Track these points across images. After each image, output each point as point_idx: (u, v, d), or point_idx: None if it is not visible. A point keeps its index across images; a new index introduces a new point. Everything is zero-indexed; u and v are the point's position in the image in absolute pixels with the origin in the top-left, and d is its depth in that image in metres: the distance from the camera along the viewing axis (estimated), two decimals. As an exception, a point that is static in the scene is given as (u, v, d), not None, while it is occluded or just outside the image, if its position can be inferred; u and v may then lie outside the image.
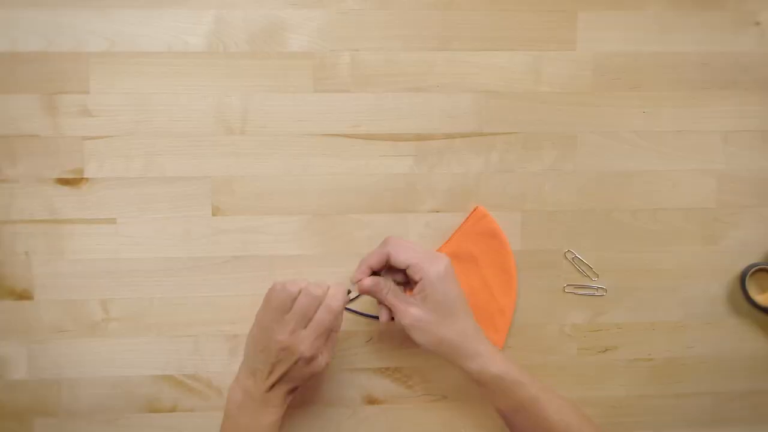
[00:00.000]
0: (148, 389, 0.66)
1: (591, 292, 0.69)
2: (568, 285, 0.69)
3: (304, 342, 0.57)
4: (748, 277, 0.69)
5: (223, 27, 0.65)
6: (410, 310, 0.59)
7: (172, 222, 0.66)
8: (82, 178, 0.65)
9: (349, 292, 0.60)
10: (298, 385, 0.60)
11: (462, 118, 0.67)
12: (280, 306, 0.57)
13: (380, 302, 0.61)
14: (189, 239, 0.66)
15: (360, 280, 0.60)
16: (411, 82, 0.66)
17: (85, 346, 0.66)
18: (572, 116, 0.68)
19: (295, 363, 0.57)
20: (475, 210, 0.67)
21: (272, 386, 0.58)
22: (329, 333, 0.59)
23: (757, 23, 0.68)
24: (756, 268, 0.69)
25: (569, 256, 0.69)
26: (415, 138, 0.67)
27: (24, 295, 0.65)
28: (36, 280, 0.65)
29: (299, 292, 0.57)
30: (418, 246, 0.61)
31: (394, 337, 0.68)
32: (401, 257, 0.59)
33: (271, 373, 0.58)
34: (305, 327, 0.57)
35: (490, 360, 0.59)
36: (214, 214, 0.66)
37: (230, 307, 0.66)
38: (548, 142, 0.68)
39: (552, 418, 0.58)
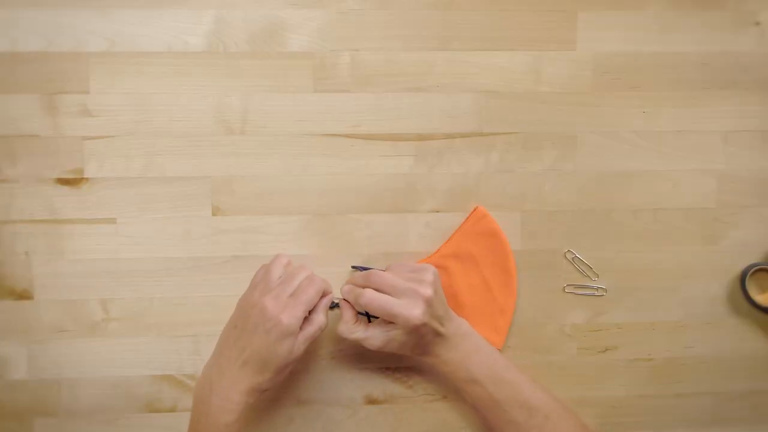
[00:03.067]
0: (148, 389, 0.66)
1: (591, 292, 0.69)
2: (568, 285, 0.69)
3: (286, 309, 0.56)
4: (748, 277, 0.69)
5: (223, 27, 0.65)
6: (372, 343, 0.60)
7: (172, 222, 0.66)
8: (82, 178, 0.65)
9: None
10: (265, 381, 0.57)
11: (462, 118, 0.67)
12: (267, 277, 0.59)
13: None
14: (189, 239, 0.66)
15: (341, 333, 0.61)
16: (411, 82, 0.66)
17: (85, 346, 0.66)
18: (572, 116, 0.68)
19: (269, 333, 0.55)
20: (475, 210, 0.67)
21: (240, 368, 0.56)
22: (307, 313, 0.57)
23: (757, 23, 0.68)
24: (756, 268, 0.69)
25: (569, 256, 0.69)
26: (415, 138, 0.67)
27: (24, 295, 0.65)
28: (36, 280, 0.65)
29: (288, 263, 0.61)
30: (396, 285, 0.58)
31: (394, 337, 0.68)
32: (377, 312, 0.58)
33: (242, 350, 0.56)
34: (290, 297, 0.57)
35: (447, 359, 0.61)
36: (214, 214, 0.66)
37: (230, 307, 0.66)
38: (548, 142, 0.68)
39: (510, 411, 0.59)
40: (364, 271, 0.62)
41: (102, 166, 0.65)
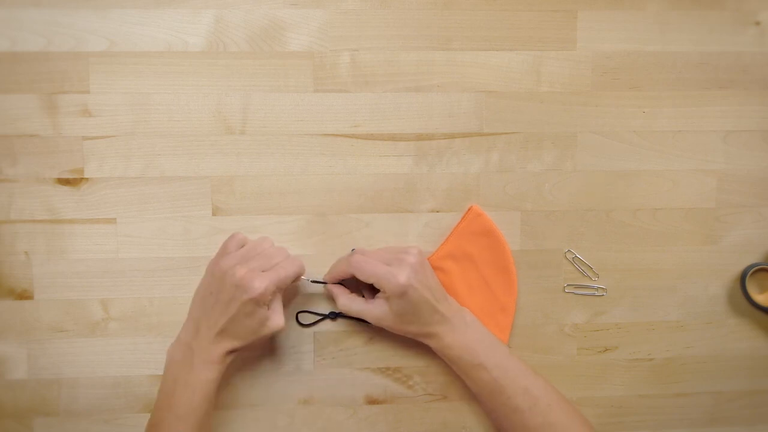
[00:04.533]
0: (148, 389, 0.66)
1: (591, 292, 0.69)
2: (568, 285, 0.69)
3: (260, 280, 0.56)
4: (748, 277, 0.69)
5: (223, 27, 0.65)
6: (373, 313, 0.62)
7: (172, 222, 0.66)
8: (82, 178, 0.65)
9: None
10: (242, 345, 0.58)
11: (462, 118, 0.67)
12: (240, 247, 0.61)
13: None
14: (189, 239, 0.66)
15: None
16: (411, 82, 0.66)
17: (84, 346, 0.66)
18: (572, 116, 0.68)
19: (244, 305, 0.56)
20: (469, 210, 0.67)
21: (217, 335, 0.57)
22: (281, 289, 0.59)
23: (757, 23, 0.68)
24: (756, 268, 0.69)
25: (569, 256, 0.69)
26: (415, 138, 0.67)
27: (24, 295, 0.65)
28: (36, 280, 0.65)
29: (263, 240, 0.62)
30: (381, 257, 0.62)
31: (394, 337, 0.68)
32: (363, 276, 0.60)
33: (218, 319, 0.57)
34: (264, 270, 0.58)
35: (451, 341, 0.61)
36: (214, 214, 0.66)
37: (230, 307, 0.66)
38: (548, 142, 0.68)
39: (515, 397, 0.59)
40: (351, 252, 0.64)
41: (102, 166, 0.65)
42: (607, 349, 0.70)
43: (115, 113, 0.64)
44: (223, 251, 0.61)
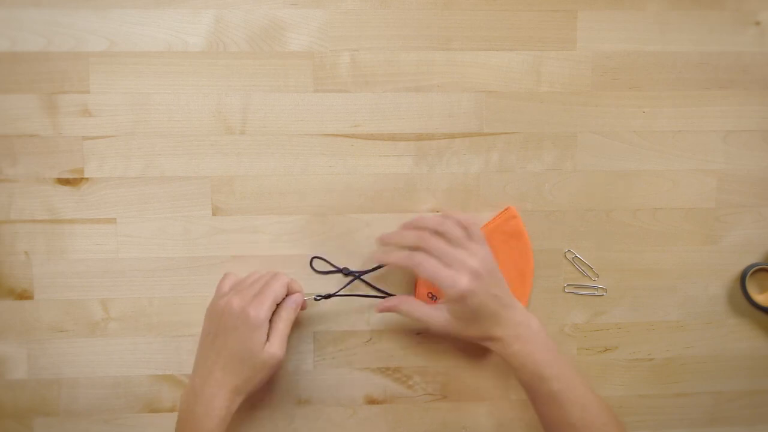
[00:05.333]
0: (148, 389, 0.66)
1: (591, 292, 0.69)
2: (568, 285, 0.69)
3: (252, 304, 0.57)
4: (748, 277, 0.69)
5: (223, 27, 0.65)
6: (435, 319, 0.60)
7: (172, 222, 0.66)
8: (82, 178, 0.65)
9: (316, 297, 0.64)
10: (242, 383, 0.57)
11: (462, 118, 0.67)
12: (235, 283, 0.61)
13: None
14: (189, 239, 0.66)
15: (377, 307, 0.63)
16: (411, 82, 0.66)
17: (84, 346, 0.66)
18: (572, 116, 0.68)
19: (238, 330, 0.56)
20: (506, 210, 0.67)
21: (218, 377, 0.56)
22: (274, 307, 0.59)
23: (757, 23, 0.68)
24: (756, 268, 0.69)
25: (569, 256, 0.69)
26: (415, 138, 0.67)
27: (24, 295, 0.65)
28: (36, 280, 0.65)
29: (252, 273, 0.62)
30: (445, 253, 0.59)
31: (394, 337, 0.68)
32: (424, 275, 0.59)
33: (218, 356, 0.57)
34: (255, 295, 0.58)
35: (517, 350, 0.59)
36: (214, 214, 0.66)
37: (230, 307, 0.66)
38: (548, 142, 0.68)
39: (572, 414, 0.57)
40: (415, 222, 0.63)
41: (102, 166, 0.65)
42: (607, 349, 0.70)
43: (115, 113, 0.64)
44: (218, 293, 0.62)
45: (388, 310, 0.63)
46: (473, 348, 0.68)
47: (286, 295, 0.61)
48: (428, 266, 0.58)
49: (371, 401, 0.68)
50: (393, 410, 0.68)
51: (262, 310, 0.57)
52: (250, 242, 0.66)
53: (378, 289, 0.67)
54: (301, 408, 0.67)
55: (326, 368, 0.67)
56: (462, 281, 0.57)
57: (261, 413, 0.67)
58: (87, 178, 0.65)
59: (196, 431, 0.56)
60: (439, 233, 0.60)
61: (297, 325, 0.67)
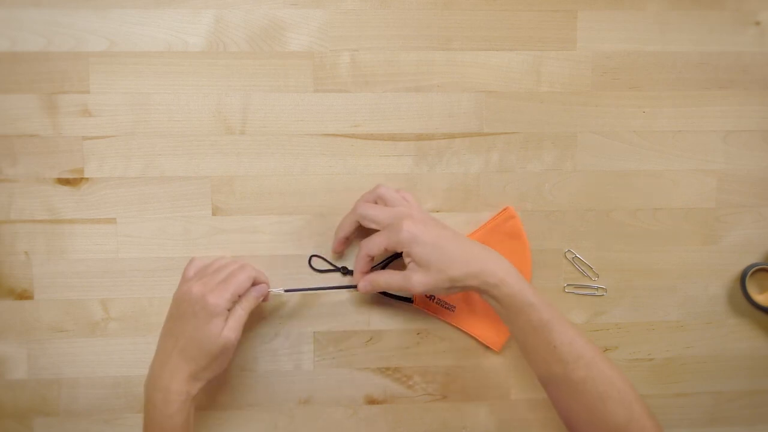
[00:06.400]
0: (148, 389, 0.66)
1: (591, 292, 0.69)
2: (568, 285, 0.69)
3: (212, 291, 0.56)
4: (748, 277, 0.69)
5: (223, 27, 0.65)
6: (413, 281, 0.59)
7: (172, 222, 0.66)
8: (82, 178, 0.65)
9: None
10: (199, 369, 0.57)
11: (462, 118, 0.67)
12: (200, 269, 0.60)
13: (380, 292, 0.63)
14: (189, 239, 0.66)
15: (359, 287, 0.63)
16: (411, 82, 0.66)
17: (84, 346, 0.66)
18: (572, 116, 0.68)
19: (197, 316, 0.56)
20: (504, 210, 0.67)
21: (175, 361, 0.56)
22: (236, 297, 0.58)
23: (757, 23, 0.68)
24: (756, 268, 0.69)
25: (569, 256, 0.69)
26: (415, 138, 0.67)
27: (24, 295, 0.65)
28: (36, 280, 0.65)
29: (218, 259, 0.61)
30: (382, 219, 0.60)
31: (394, 337, 0.68)
32: (377, 251, 0.61)
33: (177, 340, 0.56)
34: (219, 282, 0.57)
35: (502, 279, 0.57)
36: (214, 214, 0.66)
37: (230, 307, 0.66)
38: (548, 142, 0.68)
39: (561, 346, 0.57)
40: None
41: (102, 166, 0.65)
42: (607, 349, 0.70)
43: (115, 113, 0.64)
44: (183, 279, 0.61)
45: (369, 285, 0.62)
46: (473, 348, 0.68)
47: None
48: (374, 242, 0.60)
49: (371, 401, 0.68)
50: (393, 410, 0.68)
51: (222, 299, 0.56)
52: (250, 242, 0.66)
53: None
54: (301, 408, 0.67)
55: (326, 368, 0.67)
56: (404, 227, 0.58)
57: (261, 413, 0.67)
58: (87, 178, 0.65)
59: (156, 417, 0.56)
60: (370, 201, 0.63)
61: (297, 325, 0.67)
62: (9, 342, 0.65)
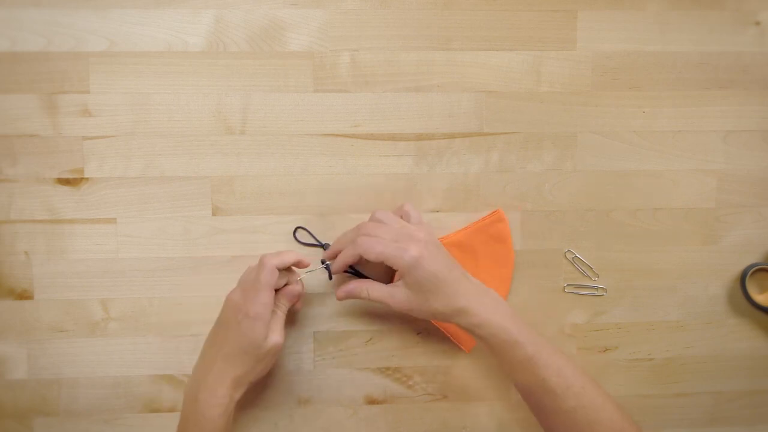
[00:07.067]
0: (148, 389, 0.66)
1: (591, 292, 0.69)
2: (568, 285, 0.69)
3: (249, 300, 0.57)
4: (748, 277, 0.69)
5: (223, 27, 0.65)
6: (396, 299, 0.59)
7: (172, 222, 0.66)
8: (82, 178, 0.65)
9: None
10: (244, 373, 0.58)
11: (462, 118, 0.67)
12: (245, 274, 0.61)
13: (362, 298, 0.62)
14: (189, 239, 0.66)
15: (337, 294, 0.62)
16: (411, 82, 0.66)
17: (84, 346, 0.66)
18: (572, 116, 0.68)
19: (240, 324, 0.57)
20: (494, 212, 0.67)
21: (221, 366, 0.57)
22: (273, 294, 0.58)
23: (757, 23, 0.68)
24: (756, 268, 0.69)
25: (569, 256, 0.69)
26: (415, 138, 0.67)
27: (24, 295, 0.65)
28: (36, 280, 0.65)
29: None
30: (389, 233, 0.58)
31: (394, 337, 0.68)
32: (372, 256, 0.58)
33: (222, 345, 0.58)
34: (250, 288, 0.58)
35: (485, 319, 0.57)
36: (213, 214, 0.66)
37: (230, 307, 0.66)
38: (548, 142, 0.68)
39: (549, 378, 0.56)
40: (355, 227, 0.61)
41: (102, 166, 0.65)
42: (607, 349, 0.70)
43: (115, 113, 0.64)
44: (238, 284, 0.62)
45: (348, 294, 0.62)
46: (473, 348, 0.68)
47: (289, 269, 0.61)
48: (374, 244, 0.58)
49: (371, 401, 0.68)
50: (393, 410, 0.68)
51: (261, 305, 0.57)
52: (250, 242, 0.66)
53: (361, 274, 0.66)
54: (301, 408, 0.67)
55: (326, 368, 0.67)
56: (411, 249, 0.57)
57: (261, 413, 0.67)
58: (87, 178, 0.65)
59: (199, 420, 0.57)
60: (376, 220, 0.61)
61: (297, 325, 0.67)
62: (9, 342, 0.65)
